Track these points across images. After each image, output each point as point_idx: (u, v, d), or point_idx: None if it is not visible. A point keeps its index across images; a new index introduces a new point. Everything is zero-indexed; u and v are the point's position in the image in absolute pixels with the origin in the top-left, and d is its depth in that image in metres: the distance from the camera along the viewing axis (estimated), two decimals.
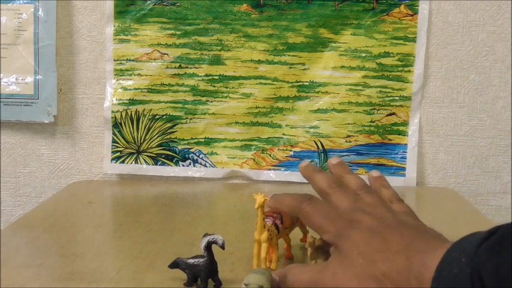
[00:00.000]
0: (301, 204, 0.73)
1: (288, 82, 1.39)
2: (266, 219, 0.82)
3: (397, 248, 0.58)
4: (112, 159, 1.42)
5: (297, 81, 1.39)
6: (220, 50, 1.38)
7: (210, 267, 0.77)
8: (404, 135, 1.39)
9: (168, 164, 1.42)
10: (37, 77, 1.38)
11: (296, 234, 0.91)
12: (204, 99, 1.40)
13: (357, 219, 0.65)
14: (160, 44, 1.39)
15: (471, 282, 0.48)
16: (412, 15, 1.36)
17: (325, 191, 0.74)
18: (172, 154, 1.42)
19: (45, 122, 1.40)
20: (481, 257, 0.49)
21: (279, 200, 0.79)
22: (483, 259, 0.49)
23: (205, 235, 0.77)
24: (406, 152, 1.39)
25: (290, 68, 1.38)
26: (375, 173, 0.80)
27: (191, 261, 0.77)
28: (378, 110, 1.38)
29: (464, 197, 1.35)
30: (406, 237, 0.60)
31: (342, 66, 1.38)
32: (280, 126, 1.40)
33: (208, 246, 0.76)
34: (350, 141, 1.40)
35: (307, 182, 1.40)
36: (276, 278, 0.69)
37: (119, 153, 1.42)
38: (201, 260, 0.77)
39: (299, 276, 0.68)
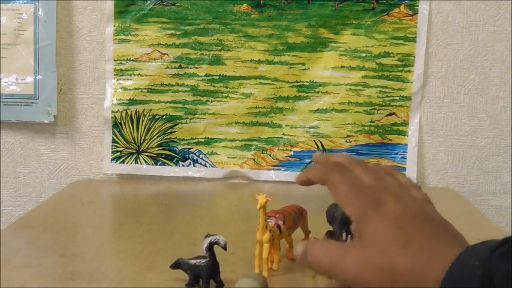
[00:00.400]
0: (330, 172, 0.70)
1: (288, 82, 1.39)
2: (268, 220, 0.82)
3: (420, 245, 0.57)
4: (112, 159, 1.42)
5: (297, 81, 1.39)
6: (220, 50, 1.38)
7: (212, 268, 0.77)
8: (404, 135, 1.39)
9: (168, 164, 1.42)
10: (37, 77, 1.38)
11: (298, 234, 0.91)
12: (204, 99, 1.40)
13: (382, 199, 0.63)
14: (160, 44, 1.39)
15: (481, 284, 0.48)
16: (412, 15, 1.36)
17: (347, 167, 0.71)
18: (172, 154, 1.42)
19: (45, 122, 1.40)
20: (493, 261, 0.49)
21: (309, 170, 0.76)
22: (496, 263, 0.49)
23: (207, 236, 0.77)
24: (406, 152, 1.39)
25: (290, 68, 1.38)
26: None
27: (193, 261, 0.77)
28: (378, 110, 1.38)
29: (464, 197, 1.35)
30: (430, 236, 0.58)
31: (342, 66, 1.38)
32: (280, 126, 1.40)
33: (210, 247, 0.76)
34: (350, 141, 1.40)
35: None
36: (297, 253, 0.68)
37: (119, 153, 1.42)
38: (203, 260, 0.77)
39: (319, 257, 0.66)
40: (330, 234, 0.80)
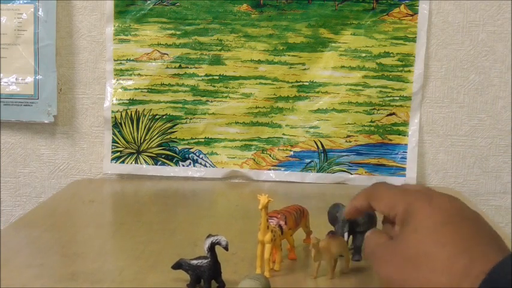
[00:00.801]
0: (370, 189, 0.70)
1: (288, 82, 1.39)
2: (270, 220, 0.82)
3: (464, 246, 0.56)
4: (112, 159, 1.42)
5: (297, 81, 1.39)
6: (220, 50, 1.38)
7: (214, 269, 0.77)
8: (404, 135, 1.39)
9: (168, 164, 1.42)
10: (37, 77, 1.38)
11: (299, 235, 0.91)
12: (204, 99, 1.40)
13: (434, 195, 0.62)
14: (160, 44, 1.39)
15: None
16: (412, 15, 1.36)
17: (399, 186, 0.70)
18: (172, 154, 1.41)
19: (45, 122, 1.40)
20: None
21: (352, 200, 0.74)
22: None
23: (209, 236, 0.77)
24: (406, 152, 1.39)
25: (290, 68, 1.38)
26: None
27: (194, 262, 0.77)
28: (378, 110, 1.38)
29: (465, 197, 1.35)
30: (478, 241, 0.57)
31: (342, 66, 1.38)
32: (280, 126, 1.40)
33: (211, 248, 0.76)
34: (350, 141, 1.40)
35: (306, 182, 1.41)
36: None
37: (119, 153, 1.42)
38: (205, 261, 0.77)
39: (365, 245, 0.66)
40: (332, 235, 0.80)
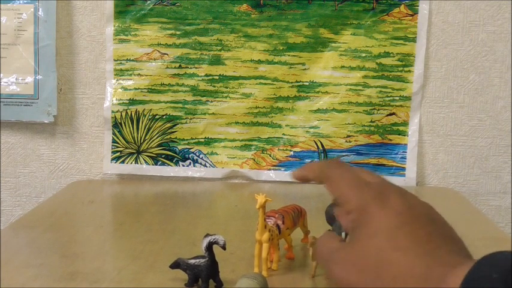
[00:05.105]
0: (327, 168, 0.66)
1: (288, 82, 1.39)
2: (267, 220, 0.82)
3: (421, 249, 0.55)
4: (112, 159, 1.42)
5: (297, 81, 1.39)
6: (220, 50, 1.38)
7: (211, 268, 0.77)
8: (404, 135, 1.39)
9: (168, 164, 1.42)
10: (37, 77, 1.38)
11: (298, 234, 0.91)
12: (204, 99, 1.40)
13: (386, 193, 0.61)
14: (160, 44, 1.39)
15: None
16: (412, 15, 1.36)
17: (346, 164, 0.67)
18: (172, 154, 1.42)
19: (45, 122, 1.40)
20: None
21: (306, 166, 0.72)
22: None
23: (207, 235, 0.77)
24: (406, 152, 1.39)
25: (290, 68, 1.38)
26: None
27: (192, 261, 0.77)
28: (378, 110, 1.38)
29: (465, 197, 1.35)
30: (433, 241, 0.56)
31: (342, 66, 1.38)
32: (280, 126, 1.40)
33: (209, 247, 0.76)
34: (350, 141, 1.40)
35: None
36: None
37: (119, 153, 1.42)
38: (202, 260, 0.77)
39: (319, 249, 0.66)
40: None
